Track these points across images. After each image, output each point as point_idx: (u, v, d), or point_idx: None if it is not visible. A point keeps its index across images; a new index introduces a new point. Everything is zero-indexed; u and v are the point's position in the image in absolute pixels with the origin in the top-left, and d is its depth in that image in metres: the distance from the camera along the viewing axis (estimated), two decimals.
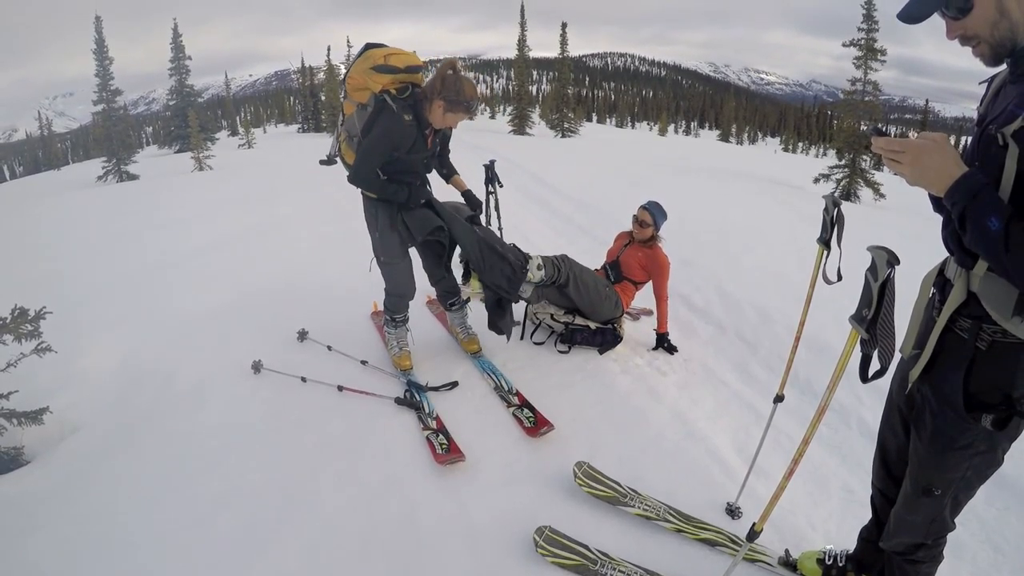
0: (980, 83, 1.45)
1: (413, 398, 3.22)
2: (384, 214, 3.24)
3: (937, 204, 1.42)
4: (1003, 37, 1.26)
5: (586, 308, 3.67)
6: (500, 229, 3.94)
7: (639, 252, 3.81)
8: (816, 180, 15.24)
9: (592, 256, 4.42)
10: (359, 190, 3.28)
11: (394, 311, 3.55)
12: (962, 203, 1.21)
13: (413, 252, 3.49)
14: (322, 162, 3.42)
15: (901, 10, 1.35)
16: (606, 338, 3.71)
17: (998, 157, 1.22)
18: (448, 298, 3.75)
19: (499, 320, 3.49)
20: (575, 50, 32.50)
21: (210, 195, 11.68)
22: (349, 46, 37.09)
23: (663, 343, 3.82)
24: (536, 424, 2.97)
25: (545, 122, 34.98)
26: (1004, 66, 1.33)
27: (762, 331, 4.07)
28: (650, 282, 3.85)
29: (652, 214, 3.77)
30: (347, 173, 3.18)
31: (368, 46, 3.03)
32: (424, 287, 3.65)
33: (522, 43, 31.51)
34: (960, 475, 1.51)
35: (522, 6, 30.70)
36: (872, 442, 1.88)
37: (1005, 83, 1.34)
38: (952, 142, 1.28)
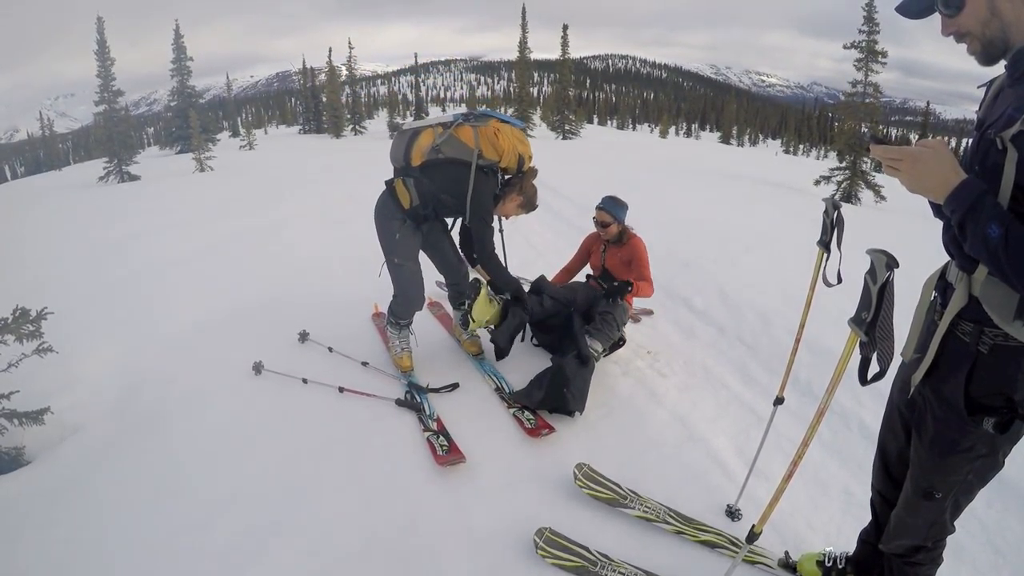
0: (979, 86, 1.46)
1: (414, 399, 3.22)
2: (411, 219, 3.29)
3: (937, 210, 1.42)
4: (994, 36, 1.27)
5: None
6: (501, 231, 3.94)
7: (619, 254, 3.76)
8: (817, 182, 15.24)
9: None
10: (362, 190, 3.30)
11: (400, 316, 3.54)
12: (961, 210, 1.21)
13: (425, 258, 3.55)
14: (391, 126, 3.46)
15: (900, 3, 1.36)
16: None
17: (997, 162, 1.22)
18: (459, 298, 3.76)
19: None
20: (576, 52, 32.50)
21: (211, 196, 11.69)
22: (350, 47, 37.13)
23: (623, 288, 3.53)
24: (537, 426, 2.98)
25: (546, 124, 34.99)
26: (1003, 69, 1.34)
27: (762, 333, 4.07)
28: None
29: (608, 211, 3.70)
30: (402, 164, 3.25)
31: (522, 125, 3.40)
32: (426, 291, 3.66)
33: (523, 45, 31.52)
34: (961, 478, 1.51)
35: (523, 8, 30.73)
36: (872, 444, 1.88)
37: (1004, 87, 1.34)
38: (953, 144, 1.28)
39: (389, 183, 3.32)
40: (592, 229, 3.90)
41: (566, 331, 3.50)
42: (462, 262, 3.69)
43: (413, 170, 3.21)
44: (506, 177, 3.37)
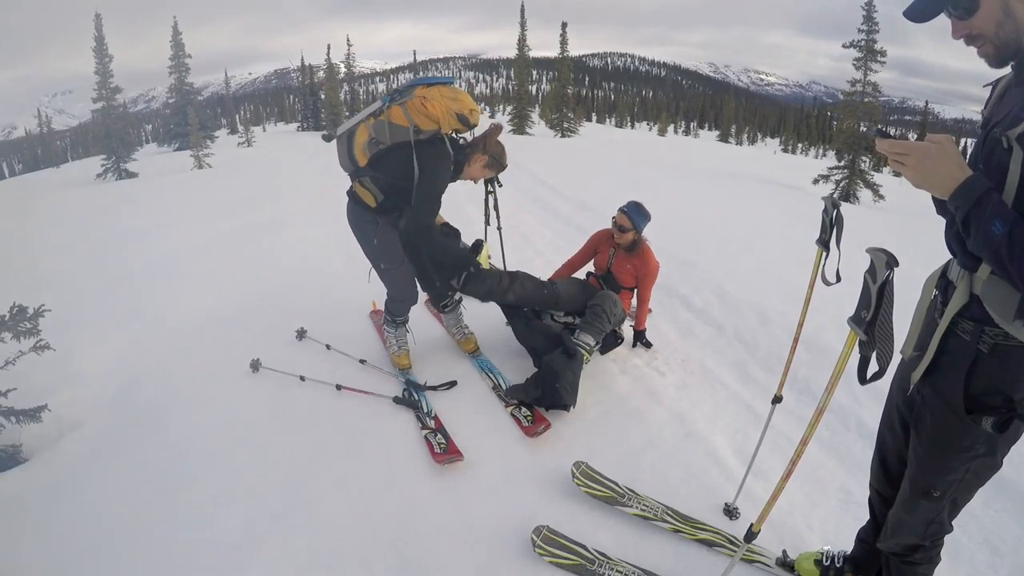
0: (984, 86, 1.45)
1: (411, 397, 3.22)
2: (385, 220, 3.23)
3: (940, 207, 1.42)
4: (1008, 38, 1.26)
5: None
6: (499, 229, 3.94)
7: (628, 263, 3.69)
8: (815, 181, 15.27)
9: None
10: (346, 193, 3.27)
11: (396, 314, 3.54)
12: (966, 207, 1.21)
13: None
14: (324, 137, 3.37)
15: (907, 8, 1.35)
16: (607, 339, 3.69)
17: (1002, 160, 1.22)
18: (440, 300, 3.75)
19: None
20: (575, 50, 32.44)
21: (209, 194, 11.68)
22: (349, 45, 37.14)
23: (641, 339, 3.83)
24: (534, 422, 2.97)
25: (545, 122, 34.98)
26: (1009, 69, 1.33)
27: (761, 332, 4.07)
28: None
29: (630, 217, 3.60)
30: (352, 168, 3.14)
31: (449, 80, 3.15)
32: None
33: (522, 43, 31.50)
34: (959, 477, 1.51)
35: (522, 6, 30.69)
36: (870, 443, 1.88)
37: (1010, 86, 1.34)
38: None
39: (350, 191, 3.25)
40: (593, 227, 3.86)
41: (548, 335, 3.49)
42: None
43: (364, 170, 3.13)
44: (464, 140, 3.21)
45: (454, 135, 3.16)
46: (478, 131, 3.24)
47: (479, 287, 3.36)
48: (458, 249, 3.16)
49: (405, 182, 3.04)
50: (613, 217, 3.69)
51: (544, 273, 4.00)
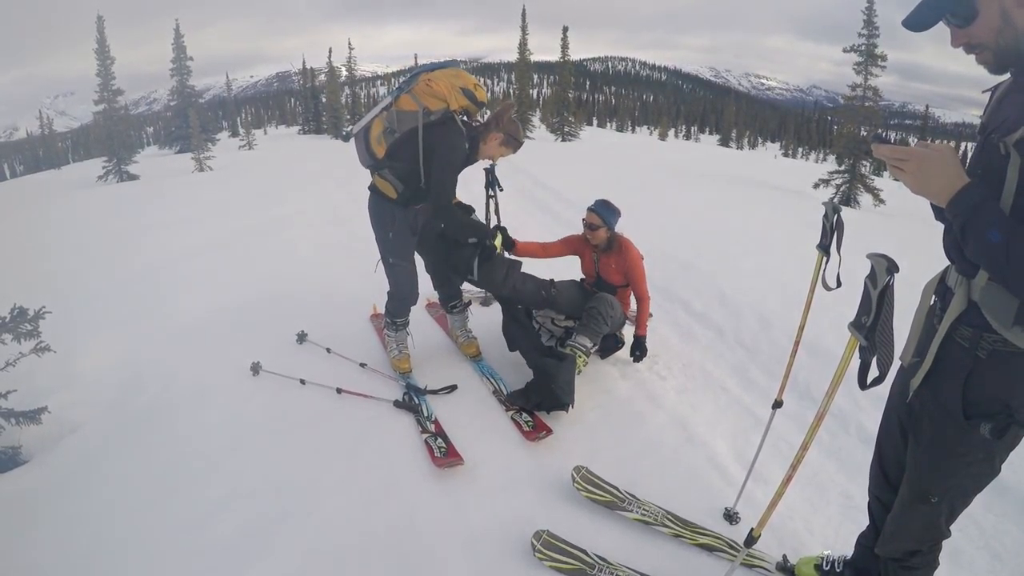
0: (984, 91, 1.45)
1: (412, 401, 3.22)
2: (403, 215, 3.24)
3: (939, 213, 1.42)
4: (1007, 45, 1.25)
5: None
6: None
7: (612, 261, 3.66)
8: (816, 185, 15.27)
9: None
10: (359, 189, 3.29)
11: (396, 315, 3.54)
12: (963, 215, 1.21)
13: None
14: (343, 137, 3.40)
15: (907, 17, 1.35)
16: (607, 343, 3.69)
17: (1000, 167, 1.22)
18: (450, 300, 3.76)
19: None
20: (576, 54, 32.45)
21: (210, 196, 11.69)
22: (351, 48, 37.19)
23: (639, 347, 3.59)
24: (535, 428, 2.97)
25: (546, 126, 34.98)
26: (1008, 75, 1.33)
27: (761, 336, 4.07)
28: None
29: (599, 214, 3.57)
30: (371, 162, 3.19)
31: (454, 62, 3.22)
32: (425, 291, 3.65)
33: (523, 47, 31.49)
34: (957, 483, 1.51)
35: (523, 10, 30.71)
36: (871, 448, 1.88)
37: (1009, 92, 1.34)
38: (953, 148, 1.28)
39: (371, 185, 3.29)
40: None
41: (536, 344, 3.48)
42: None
43: (383, 161, 3.16)
44: (478, 122, 3.27)
45: (466, 117, 3.20)
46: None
47: (491, 272, 3.34)
48: (478, 224, 3.22)
49: (423, 165, 3.09)
50: (583, 218, 3.66)
51: (544, 274, 4.00)
